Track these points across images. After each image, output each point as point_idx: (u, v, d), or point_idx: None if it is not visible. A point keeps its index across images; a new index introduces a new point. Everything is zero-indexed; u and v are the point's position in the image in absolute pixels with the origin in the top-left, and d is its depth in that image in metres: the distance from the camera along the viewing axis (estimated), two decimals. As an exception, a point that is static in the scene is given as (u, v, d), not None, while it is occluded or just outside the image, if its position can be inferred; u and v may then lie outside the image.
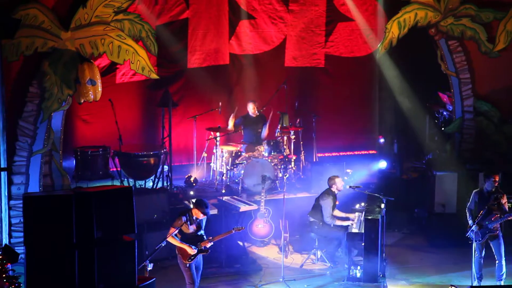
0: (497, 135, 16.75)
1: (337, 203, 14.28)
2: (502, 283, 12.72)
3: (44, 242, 10.18)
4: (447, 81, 17.06)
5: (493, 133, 16.76)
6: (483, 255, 12.81)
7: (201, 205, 11.73)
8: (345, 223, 14.09)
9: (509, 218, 12.52)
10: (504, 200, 12.67)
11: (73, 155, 15.27)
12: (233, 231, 12.16)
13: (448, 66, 16.86)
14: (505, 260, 12.77)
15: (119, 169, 15.14)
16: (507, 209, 12.61)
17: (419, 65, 17.77)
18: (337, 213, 14.28)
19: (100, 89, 14.25)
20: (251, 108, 16.61)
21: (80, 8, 13.84)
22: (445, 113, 17.86)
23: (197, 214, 11.67)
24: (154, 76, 14.91)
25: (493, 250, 12.77)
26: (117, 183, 15.07)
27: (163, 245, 11.44)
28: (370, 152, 19.12)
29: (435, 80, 17.87)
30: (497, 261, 12.78)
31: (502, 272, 12.76)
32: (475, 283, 12.62)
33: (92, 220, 10.15)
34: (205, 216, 11.82)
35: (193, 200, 12.55)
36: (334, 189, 14.19)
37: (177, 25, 16.89)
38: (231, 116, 16.62)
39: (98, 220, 10.20)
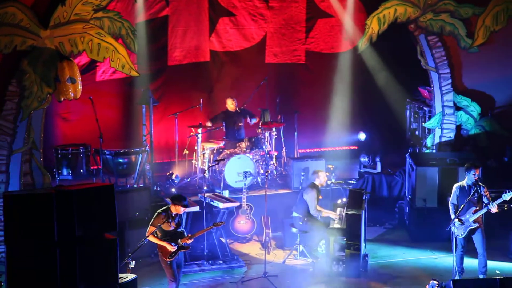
0: (476, 130, 16.85)
1: (320, 198, 14.31)
2: (484, 276, 12.80)
3: (25, 241, 10.13)
4: (427, 76, 17.14)
5: (473, 127, 16.87)
6: (464, 249, 12.88)
7: (179, 199, 11.73)
8: (332, 215, 14.12)
9: (490, 211, 12.57)
10: (486, 192, 12.72)
11: (53, 153, 15.19)
12: (213, 227, 12.16)
13: (427, 61, 16.93)
14: (486, 254, 12.85)
15: (100, 167, 15.08)
16: (488, 201, 12.66)
17: (399, 60, 17.84)
18: (320, 209, 14.31)
19: (80, 87, 14.19)
20: (230, 104, 16.62)
21: (59, 6, 13.77)
22: (425, 108, 17.93)
23: (177, 209, 11.65)
24: (134, 73, 14.86)
25: (475, 244, 12.83)
26: (98, 181, 15.02)
27: (144, 242, 11.42)
28: (352, 147, 19.18)
29: (415, 76, 17.94)
30: (478, 255, 12.85)
31: (484, 266, 12.83)
32: (457, 277, 12.69)
33: (73, 218, 10.10)
34: (185, 211, 11.80)
35: (170, 197, 12.50)
36: (317, 182, 14.23)
37: (157, 22, 16.86)
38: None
39: (79, 218, 10.15)
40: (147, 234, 11.50)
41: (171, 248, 11.53)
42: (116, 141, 16.10)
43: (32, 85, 13.72)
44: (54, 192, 10.21)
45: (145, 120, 15.95)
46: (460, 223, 12.59)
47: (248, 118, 16.77)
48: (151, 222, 11.71)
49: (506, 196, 12.55)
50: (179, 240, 11.63)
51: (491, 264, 13.40)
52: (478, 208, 12.65)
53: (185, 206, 11.74)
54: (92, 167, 15.42)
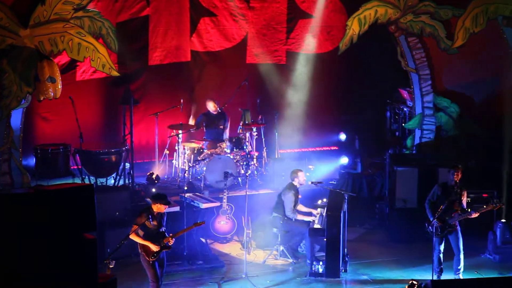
0: (456, 131, 16.95)
1: (299, 197, 14.33)
2: (460, 276, 12.87)
3: (2, 241, 10.06)
4: (407, 78, 17.22)
5: (453, 128, 16.97)
6: (442, 249, 12.94)
7: (160, 197, 11.69)
8: (306, 218, 14.15)
9: (470, 217, 12.65)
10: (464, 197, 12.81)
11: (33, 153, 15.11)
12: (194, 227, 12.14)
13: (408, 62, 17.03)
14: (463, 254, 12.91)
15: (80, 166, 15.03)
16: (465, 205, 12.76)
17: (380, 61, 17.91)
18: (301, 208, 14.34)
19: (60, 86, 14.15)
20: (211, 106, 16.62)
21: (39, 5, 13.72)
22: (405, 109, 18.02)
23: (159, 208, 11.60)
24: (114, 73, 14.84)
25: (451, 244, 12.90)
26: (78, 181, 14.96)
27: (124, 243, 11.38)
28: (332, 148, 19.22)
29: (396, 77, 18.02)
30: (455, 255, 12.92)
31: (460, 266, 12.89)
32: (435, 277, 12.75)
33: (52, 218, 10.06)
34: (167, 208, 11.75)
35: (151, 197, 12.45)
36: (296, 183, 14.24)
37: (137, 22, 16.78)
38: (191, 116, 16.66)
39: (58, 218, 10.11)
40: (130, 233, 11.46)
41: (155, 247, 11.50)
42: (96, 141, 16.07)
43: (12, 85, 13.65)
44: (33, 192, 10.16)
45: (125, 120, 15.90)
46: (439, 223, 12.64)
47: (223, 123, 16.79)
48: (134, 221, 11.66)
49: (493, 207, 12.70)
50: (161, 240, 11.60)
51: (470, 263, 13.50)
52: (457, 210, 12.71)
53: (167, 203, 11.70)
54: (72, 167, 15.36)
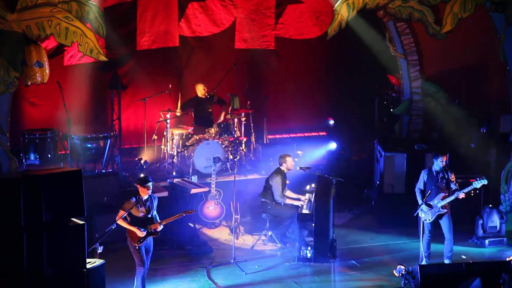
0: (444, 116, 16.98)
1: (287, 182, 14.35)
2: (450, 261, 12.93)
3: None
4: (396, 63, 17.23)
5: (441, 114, 16.99)
6: (431, 234, 12.99)
7: (141, 180, 11.62)
8: (295, 203, 14.17)
9: (458, 197, 12.70)
10: (453, 179, 12.84)
11: (20, 138, 15.06)
12: (183, 214, 12.12)
13: (396, 48, 17.02)
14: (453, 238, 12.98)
15: (68, 152, 14.99)
16: (455, 187, 12.78)
17: (368, 47, 17.90)
18: (289, 194, 14.35)
19: (47, 71, 14.07)
20: (201, 89, 16.57)
21: (26, -11, 13.62)
22: (393, 94, 18.04)
23: (143, 191, 11.55)
24: (102, 58, 14.75)
25: (442, 229, 12.95)
26: (66, 166, 14.91)
27: (113, 227, 11.37)
28: (321, 134, 19.26)
29: (384, 62, 18.02)
30: (445, 239, 12.97)
31: (450, 250, 12.96)
32: (424, 262, 12.81)
33: (40, 203, 10.06)
34: (155, 196, 11.70)
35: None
36: (284, 167, 14.25)
37: (125, 7, 16.70)
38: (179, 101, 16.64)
39: (47, 203, 10.11)
40: (116, 218, 11.45)
41: (140, 233, 11.49)
42: (84, 126, 15.99)
43: (-1, 69, 13.57)
44: (21, 176, 10.14)
45: (113, 105, 15.86)
46: (429, 208, 12.69)
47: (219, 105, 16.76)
48: (122, 206, 11.63)
49: (477, 184, 12.69)
50: (149, 226, 11.59)
51: (457, 249, 13.57)
52: (446, 194, 12.76)
53: (149, 186, 11.55)
54: (60, 152, 15.32)
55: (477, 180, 12.69)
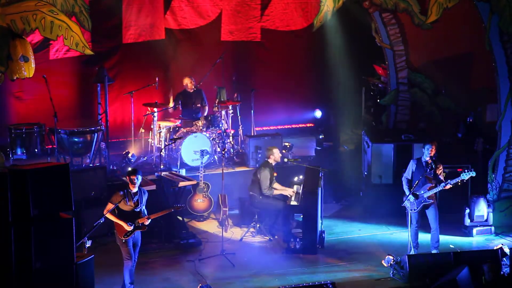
0: (431, 106, 17.03)
1: (275, 174, 14.36)
2: (437, 251, 12.98)
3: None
4: (382, 54, 17.25)
5: (427, 104, 17.04)
6: (419, 224, 13.03)
7: (129, 172, 11.66)
8: (285, 192, 14.17)
9: (445, 188, 12.74)
10: (440, 170, 12.88)
11: (7, 132, 15.00)
12: (172, 210, 12.11)
13: (382, 38, 17.03)
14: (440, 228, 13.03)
15: (55, 146, 14.95)
16: (442, 178, 12.83)
17: (354, 38, 17.92)
18: (277, 186, 14.35)
19: (33, 65, 14.02)
20: (188, 83, 16.53)
21: (11, -17, 13.57)
22: (380, 85, 18.06)
23: (130, 184, 11.54)
24: (88, 52, 14.73)
25: (428, 219, 13.00)
26: (53, 160, 14.87)
27: (101, 221, 11.35)
28: (308, 125, 19.28)
29: (370, 53, 18.05)
30: (431, 230, 13.02)
31: (437, 241, 13.00)
32: (412, 252, 12.85)
33: (28, 197, 10.03)
34: (137, 185, 11.64)
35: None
36: (271, 160, 14.25)
37: (111, 0, 16.66)
38: (171, 96, 16.58)
39: (34, 197, 10.08)
40: (104, 212, 11.43)
41: (127, 227, 11.47)
42: (71, 120, 15.96)
43: (-16, 64, 13.51)
44: (8, 171, 10.10)
45: (100, 99, 15.81)
46: (415, 198, 12.73)
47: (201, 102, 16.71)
48: (109, 199, 11.61)
49: (465, 176, 12.71)
50: (136, 220, 11.58)
51: (445, 238, 13.64)
52: (433, 184, 12.80)
53: (131, 179, 11.51)
54: (47, 146, 15.29)
55: (465, 172, 12.72)
